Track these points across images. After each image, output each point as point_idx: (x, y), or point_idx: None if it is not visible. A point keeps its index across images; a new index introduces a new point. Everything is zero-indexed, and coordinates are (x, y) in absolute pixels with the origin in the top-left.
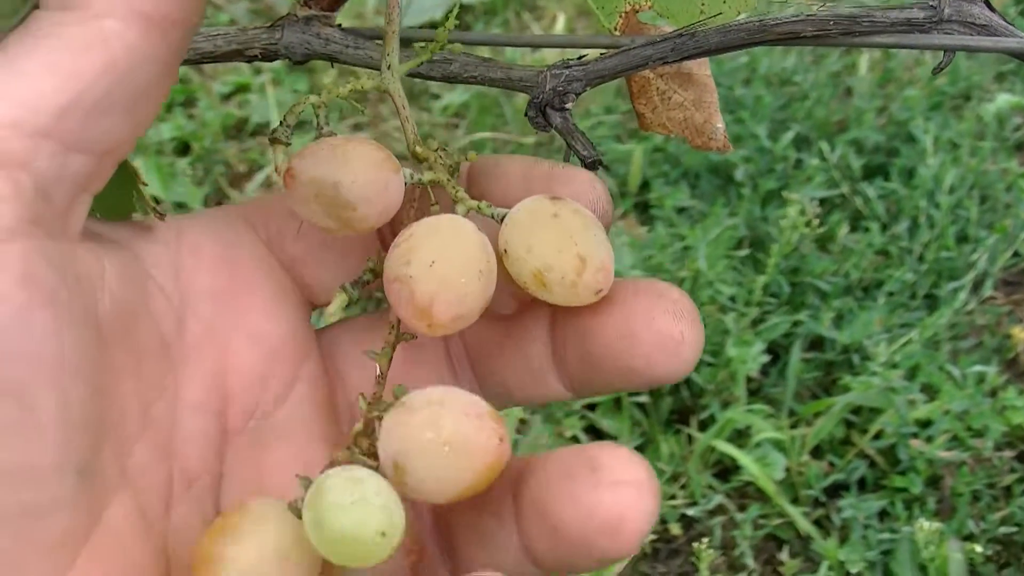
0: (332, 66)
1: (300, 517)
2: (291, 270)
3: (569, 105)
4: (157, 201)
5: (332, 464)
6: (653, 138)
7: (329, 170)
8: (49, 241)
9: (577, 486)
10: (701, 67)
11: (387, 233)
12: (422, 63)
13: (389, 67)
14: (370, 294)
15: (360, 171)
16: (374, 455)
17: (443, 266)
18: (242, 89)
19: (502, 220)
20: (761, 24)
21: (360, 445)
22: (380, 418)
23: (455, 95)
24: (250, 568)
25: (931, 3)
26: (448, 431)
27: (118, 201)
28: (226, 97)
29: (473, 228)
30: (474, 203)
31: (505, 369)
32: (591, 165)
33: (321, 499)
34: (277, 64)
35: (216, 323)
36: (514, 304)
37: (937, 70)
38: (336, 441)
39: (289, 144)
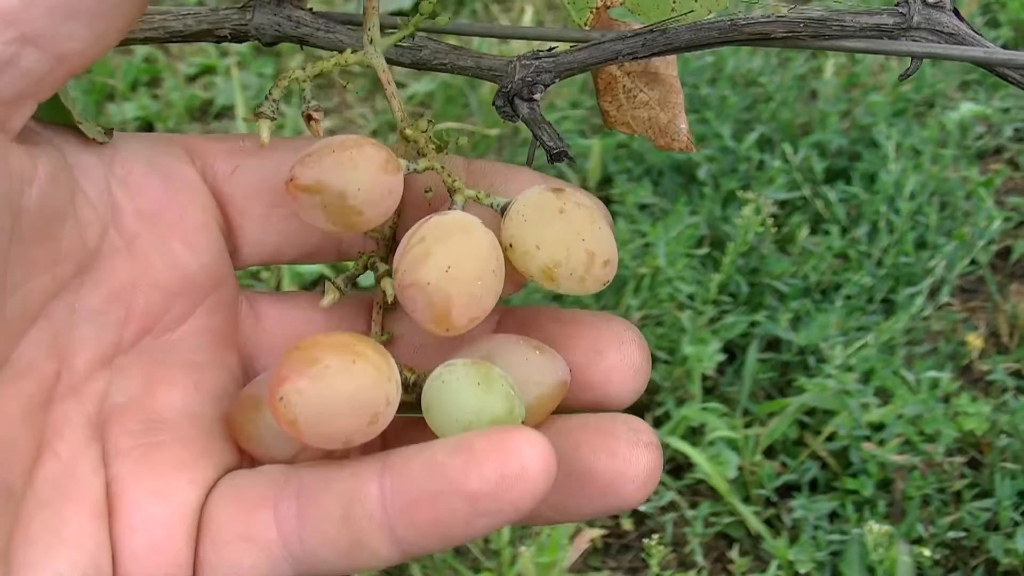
0: (301, 49)
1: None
2: (220, 206)
3: (538, 96)
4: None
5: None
6: (617, 134)
7: (334, 178)
8: None
9: (618, 442)
10: (668, 67)
11: None
12: (403, 38)
13: (371, 41)
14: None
15: (366, 178)
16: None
17: (459, 271)
18: (208, 71)
19: (502, 210)
20: (732, 23)
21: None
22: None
23: (420, 84)
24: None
25: (901, 10)
26: (536, 345)
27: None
28: (191, 79)
29: (481, 226)
30: (472, 192)
31: None
32: (557, 156)
33: (455, 390)
34: (244, 47)
35: (136, 240)
36: (511, 290)
37: (904, 76)
38: (231, 370)
39: (275, 119)
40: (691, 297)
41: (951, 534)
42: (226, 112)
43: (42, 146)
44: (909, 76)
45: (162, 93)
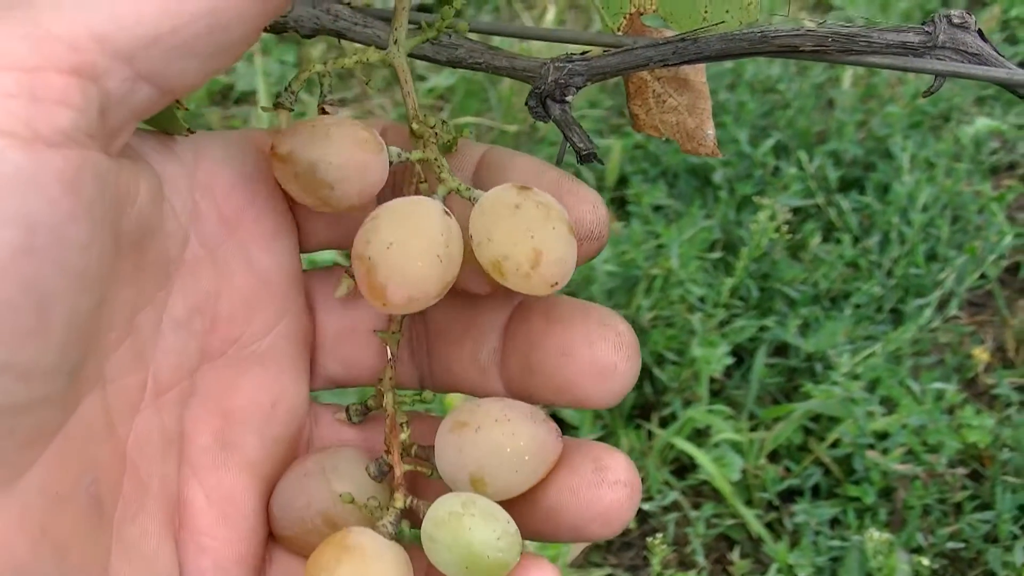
0: (339, 42)
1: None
2: (291, 206)
3: (570, 98)
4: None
5: (397, 480)
6: (634, 135)
7: (308, 150)
8: (99, 155)
9: (580, 480)
10: (698, 74)
11: None
12: (427, 41)
13: (396, 42)
14: None
15: (338, 152)
16: (407, 455)
17: (399, 249)
18: None
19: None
20: (762, 35)
21: (390, 444)
22: (408, 422)
23: (441, 78)
24: None
25: (927, 28)
26: (524, 442)
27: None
28: None
29: (439, 212)
30: (454, 184)
31: (458, 358)
32: (586, 157)
33: (468, 536)
34: (266, 34)
35: (218, 248)
36: (487, 286)
37: (928, 93)
38: (307, 375)
39: (292, 110)
40: (702, 300)
41: (950, 545)
42: (246, 98)
43: (139, 162)
44: (932, 93)
45: None
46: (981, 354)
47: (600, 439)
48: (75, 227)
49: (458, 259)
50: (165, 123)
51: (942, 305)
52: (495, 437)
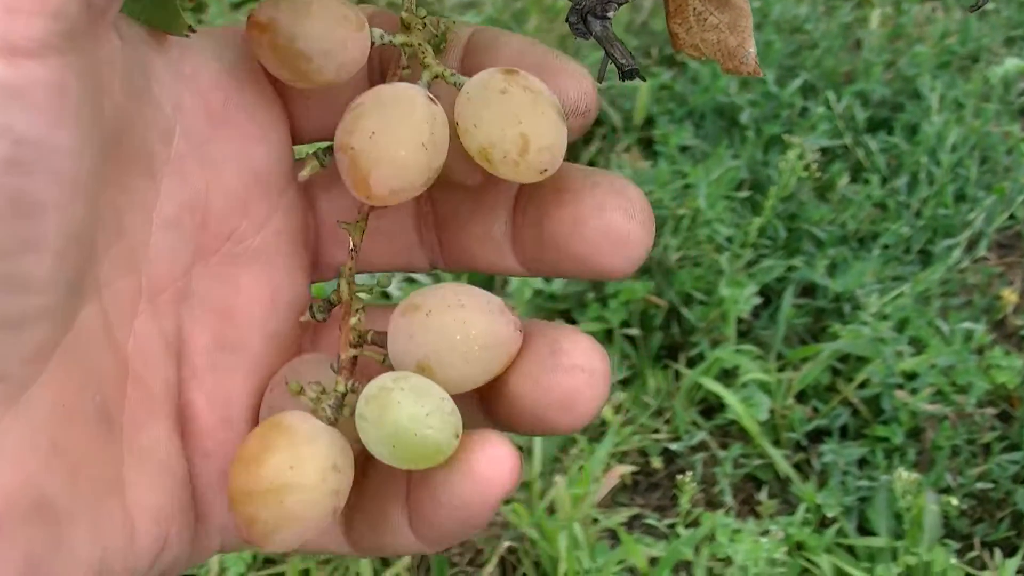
0: None
1: (333, 425)
2: (282, 98)
3: (611, 14)
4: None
5: (341, 363)
6: (660, 75)
7: (289, 21)
8: (81, 53)
9: (535, 366)
10: None
11: None
12: None
13: None
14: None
15: (319, 25)
16: (363, 342)
17: (383, 138)
18: None
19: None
20: None
21: (350, 336)
22: (364, 308)
23: (466, 19)
24: (313, 494)
25: None
26: (476, 331)
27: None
28: (236, 6)
29: (424, 98)
30: (439, 69)
31: (469, 238)
32: (628, 74)
33: (395, 411)
34: None
35: (206, 143)
36: (479, 176)
37: (974, 8)
38: (305, 269)
39: None
40: (729, 240)
41: (979, 485)
42: None
43: (121, 50)
44: (979, 8)
45: (207, 19)
46: (1010, 295)
47: (626, 380)
48: (65, 134)
49: (444, 147)
50: (167, 22)
51: (971, 246)
52: (446, 323)
